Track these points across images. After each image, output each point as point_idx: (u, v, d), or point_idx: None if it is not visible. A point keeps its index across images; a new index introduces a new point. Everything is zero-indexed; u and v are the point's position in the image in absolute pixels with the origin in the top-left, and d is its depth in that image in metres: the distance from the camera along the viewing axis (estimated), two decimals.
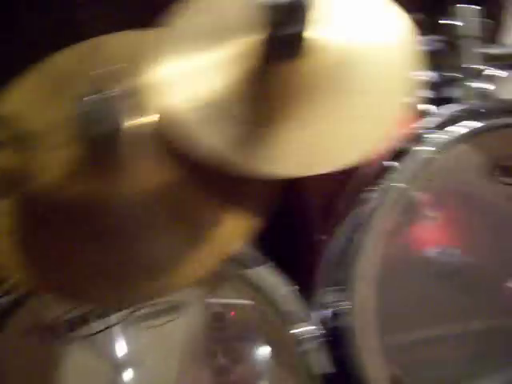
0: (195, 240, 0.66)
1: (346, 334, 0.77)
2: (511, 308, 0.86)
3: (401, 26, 0.74)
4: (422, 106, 0.89)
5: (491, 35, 1.15)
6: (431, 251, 0.86)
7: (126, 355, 0.79)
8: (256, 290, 0.77)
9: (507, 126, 0.82)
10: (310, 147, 0.67)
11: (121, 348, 0.79)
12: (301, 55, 0.70)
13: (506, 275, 0.87)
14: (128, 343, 0.79)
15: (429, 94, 0.91)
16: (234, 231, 0.66)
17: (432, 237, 0.88)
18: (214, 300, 0.78)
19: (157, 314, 0.78)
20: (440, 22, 0.91)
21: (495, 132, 0.82)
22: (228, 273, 0.75)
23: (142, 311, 0.77)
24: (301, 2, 0.66)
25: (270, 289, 0.77)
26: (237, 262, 0.76)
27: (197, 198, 0.68)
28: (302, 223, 0.96)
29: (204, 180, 0.67)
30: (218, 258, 0.64)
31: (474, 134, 0.82)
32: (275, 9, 0.67)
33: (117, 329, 0.78)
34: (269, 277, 0.78)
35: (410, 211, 0.84)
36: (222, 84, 0.70)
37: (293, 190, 0.80)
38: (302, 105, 0.69)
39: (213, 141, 0.67)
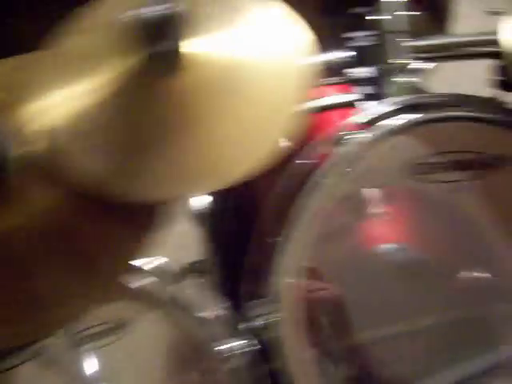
0: (88, 268, 0.66)
1: (276, 346, 0.76)
2: (466, 299, 0.86)
3: (294, 37, 0.74)
4: (352, 103, 0.89)
5: (441, 25, 1.15)
6: (381, 248, 0.85)
7: (96, 372, 0.79)
8: (178, 307, 0.77)
9: (434, 120, 0.81)
10: (195, 166, 0.67)
11: (91, 366, 0.79)
12: (180, 71, 0.70)
13: (457, 267, 0.86)
14: (98, 360, 0.79)
15: (360, 90, 0.91)
16: (124, 256, 0.65)
17: (381, 234, 0.87)
18: None
19: (102, 334, 0.79)
20: (367, 17, 0.90)
21: (420, 128, 0.81)
22: (149, 291, 0.75)
23: (86, 332, 0.78)
24: (173, 16, 0.65)
25: (193, 305, 0.77)
26: (160, 280, 0.76)
27: (88, 225, 0.68)
28: (254, 226, 0.96)
29: (94, 207, 0.67)
30: (112, 284, 0.64)
31: (401, 130, 0.81)
32: (147, 24, 0.66)
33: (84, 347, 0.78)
34: (193, 293, 0.78)
35: (356, 209, 0.84)
36: (101, 108, 0.70)
37: (245, 193, 0.80)
38: (185, 122, 0.68)
39: (93, 167, 0.66)
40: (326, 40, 0.94)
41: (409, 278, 0.84)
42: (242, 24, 0.75)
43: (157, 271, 0.80)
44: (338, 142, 0.80)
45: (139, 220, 0.66)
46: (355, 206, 0.84)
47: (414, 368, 0.85)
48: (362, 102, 0.90)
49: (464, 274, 0.86)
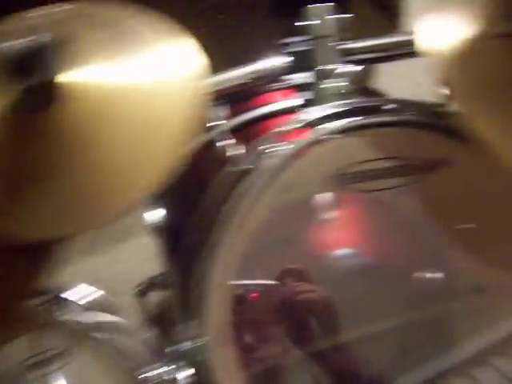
0: None
1: (206, 370, 0.74)
2: (422, 299, 0.85)
3: (185, 60, 0.72)
4: (293, 109, 0.88)
5: (391, 24, 1.14)
6: (333, 254, 0.85)
7: None
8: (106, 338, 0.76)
9: (364, 127, 0.79)
10: (85, 199, 0.65)
11: None
12: (59, 103, 0.68)
13: (412, 267, 0.86)
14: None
15: (298, 96, 0.90)
16: (20, 289, 0.65)
17: (332, 239, 0.86)
18: None
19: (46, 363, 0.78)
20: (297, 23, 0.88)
21: (352, 134, 0.79)
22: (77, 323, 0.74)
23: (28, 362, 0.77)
24: (44, 47, 0.63)
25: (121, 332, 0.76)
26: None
27: None
28: None
29: None
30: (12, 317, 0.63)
31: (334, 136, 0.79)
32: (17, 58, 0.64)
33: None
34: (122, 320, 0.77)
35: (303, 216, 0.83)
36: None
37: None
38: (69, 155, 0.67)
39: None
40: (264, 45, 0.94)
41: (363, 281, 0.84)
42: (128, 50, 0.73)
43: (91, 303, 0.79)
44: (265, 151, 0.79)
45: (35, 253, 0.65)
46: (301, 214, 0.83)
47: (378, 370, 0.84)
48: (301, 107, 0.89)
49: (417, 276, 0.86)
